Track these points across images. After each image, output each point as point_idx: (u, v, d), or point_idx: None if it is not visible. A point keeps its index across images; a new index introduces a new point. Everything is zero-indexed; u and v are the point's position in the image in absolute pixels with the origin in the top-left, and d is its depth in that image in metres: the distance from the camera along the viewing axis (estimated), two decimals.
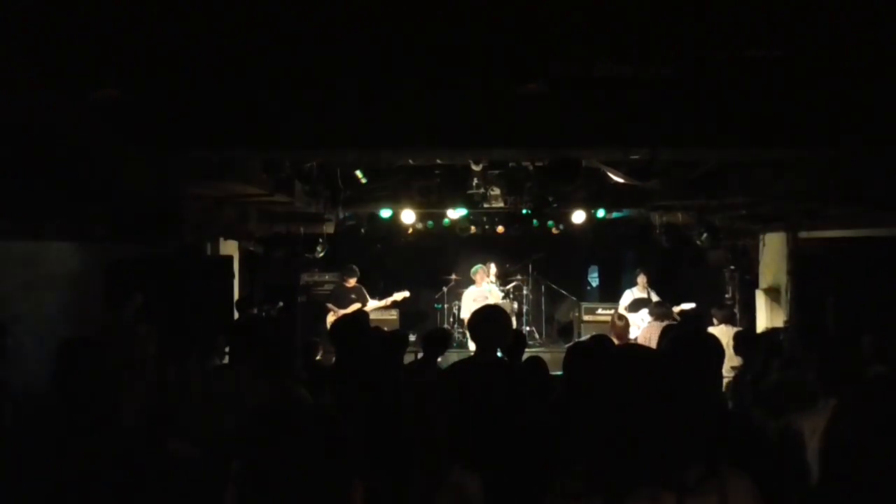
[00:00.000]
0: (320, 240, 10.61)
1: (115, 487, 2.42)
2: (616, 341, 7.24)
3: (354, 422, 2.59)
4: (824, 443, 1.73)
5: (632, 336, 9.03)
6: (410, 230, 11.91)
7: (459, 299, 12.05)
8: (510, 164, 8.57)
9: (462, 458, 2.65)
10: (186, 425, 3.86)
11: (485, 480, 2.62)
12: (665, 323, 7.80)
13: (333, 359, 5.44)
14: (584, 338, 9.47)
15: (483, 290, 11.00)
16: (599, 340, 5.01)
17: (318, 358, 7.30)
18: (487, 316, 3.97)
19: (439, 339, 6.17)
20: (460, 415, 3.12)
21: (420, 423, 2.66)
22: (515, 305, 11.99)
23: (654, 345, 5.76)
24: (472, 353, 4.11)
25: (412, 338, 7.81)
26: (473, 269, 11.29)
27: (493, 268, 11.99)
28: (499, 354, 4.15)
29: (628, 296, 10.53)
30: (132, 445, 2.58)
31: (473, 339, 3.99)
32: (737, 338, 6.54)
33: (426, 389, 3.86)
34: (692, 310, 9.93)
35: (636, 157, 6.47)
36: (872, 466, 1.62)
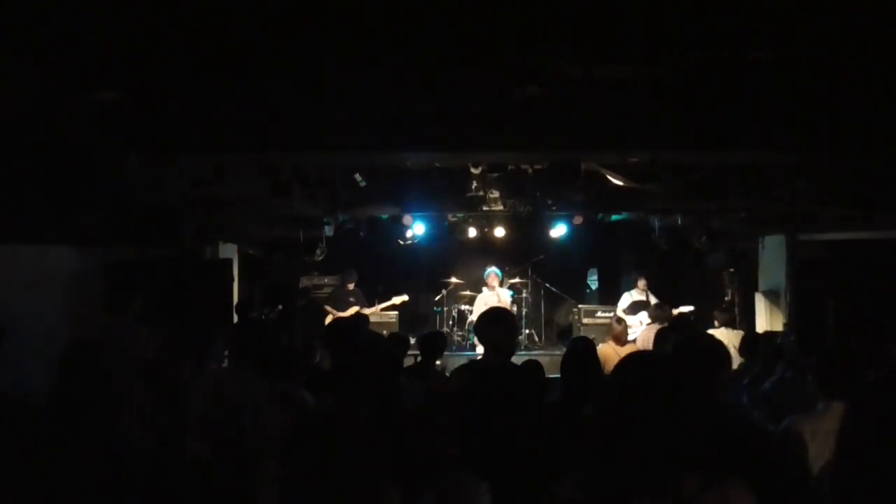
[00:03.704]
0: (319, 243, 10.60)
1: (121, 491, 2.40)
2: (616, 345, 7.24)
3: (354, 425, 2.57)
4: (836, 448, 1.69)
5: (630, 337, 9.02)
6: (409, 233, 11.89)
7: (458, 302, 12.02)
8: (509, 167, 8.57)
9: (472, 465, 2.61)
10: (191, 428, 3.85)
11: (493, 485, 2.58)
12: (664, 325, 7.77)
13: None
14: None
15: (496, 294, 10.89)
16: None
17: (316, 360, 7.29)
18: (496, 318, 3.91)
19: (435, 343, 6.26)
20: (477, 421, 3.09)
21: (429, 429, 2.60)
22: (515, 308, 11.97)
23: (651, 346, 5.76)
24: (481, 357, 4.02)
25: (411, 340, 7.81)
26: (487, 273, 11.15)
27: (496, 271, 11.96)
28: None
29: (626, 298, 10.51)
30: (144, 447, 2.57)
31: (482, 342, 3.92)
32: (743, 341, 6.56)
33: (432, 395, 3.85)
34: (687, 314, 9.90)
35: (635, 159, 6.47)
36: (881, 470, 1.60)
